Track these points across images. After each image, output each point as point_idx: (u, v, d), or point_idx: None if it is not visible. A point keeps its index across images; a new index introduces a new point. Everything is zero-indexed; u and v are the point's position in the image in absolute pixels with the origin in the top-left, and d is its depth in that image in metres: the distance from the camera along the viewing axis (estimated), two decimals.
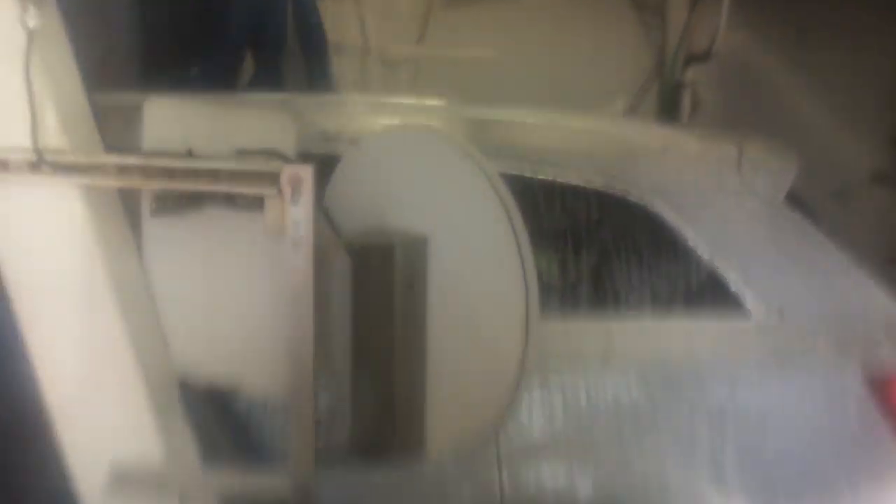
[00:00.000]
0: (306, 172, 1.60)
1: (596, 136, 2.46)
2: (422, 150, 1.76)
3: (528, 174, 2.22)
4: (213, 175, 1.59)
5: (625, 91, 4.83)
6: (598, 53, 5.30)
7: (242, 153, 1.61)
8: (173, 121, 1.66)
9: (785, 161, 2.46)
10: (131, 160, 1.63)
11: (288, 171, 1.59)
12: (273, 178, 1.59)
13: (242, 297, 1.74)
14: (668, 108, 4.66)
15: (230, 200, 1.67)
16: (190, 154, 1.61)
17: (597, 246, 2.23)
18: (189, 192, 1.63)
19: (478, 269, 1.71)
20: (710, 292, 2.22)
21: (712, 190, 2.31)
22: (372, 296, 1.75)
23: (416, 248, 1.76)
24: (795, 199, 2.48)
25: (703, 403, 2.17)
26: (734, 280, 2.20)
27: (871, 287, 2.29)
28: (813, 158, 5.28)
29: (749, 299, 2.19)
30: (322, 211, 1.72)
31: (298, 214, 1.61)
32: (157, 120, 1.68)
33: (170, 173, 1.58)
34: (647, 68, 5.16)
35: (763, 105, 5.28)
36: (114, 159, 1.65)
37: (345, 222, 1.87)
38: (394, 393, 1.76)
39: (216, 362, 1.78)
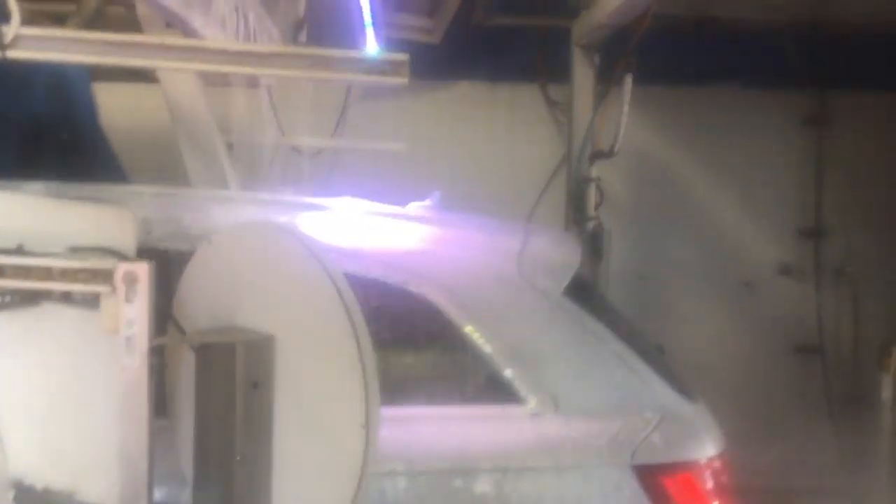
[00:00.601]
0: (142, 270, 1.59)
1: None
2: (269, 246, 1.76)
3: None
4: (46, 272, 1.57)
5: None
6: (512, 146, 5.45)
7: (76, 250, 1.59)
8: (9, 214, 1.63)
9: (568, 254, 2.53)
10: None
11: (123, 269, 1.57)
12: (107, 276, 1.57)
13: (79, 397, 1.69)
14: (576, 201, 4.76)
15: (66, 297, 1.65)
16: (21, 250, 1.59)
17: (374, 335, 2.25)
18: (21, 290, 1.60)
19: (319, 369, 1.69)
20: (485, 381, 2.26)
21: (491, 282, 2.37)
22: (215, 395, 1.72)
23: (262, 347, 1.74)
24: (588, 288, 2.56)
25: (474, 493, 2.17)
26: (509, 369, 2.23)
27: (648, 377, 2.35)
28: (722, 250, 5.49)
29: (523, 388, 2.23)
30: (165, 309, 1.70)
31: (133, 312, 1.59)
32: None
33: None
34: (558, 162, 5.30)
35: (670, 199, 5.45)
36: None
37: (196, 319, 1.85)
38: (235, 494, 1.71)
39: (51, 466, 1.72)
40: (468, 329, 2.26)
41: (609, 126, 4.57)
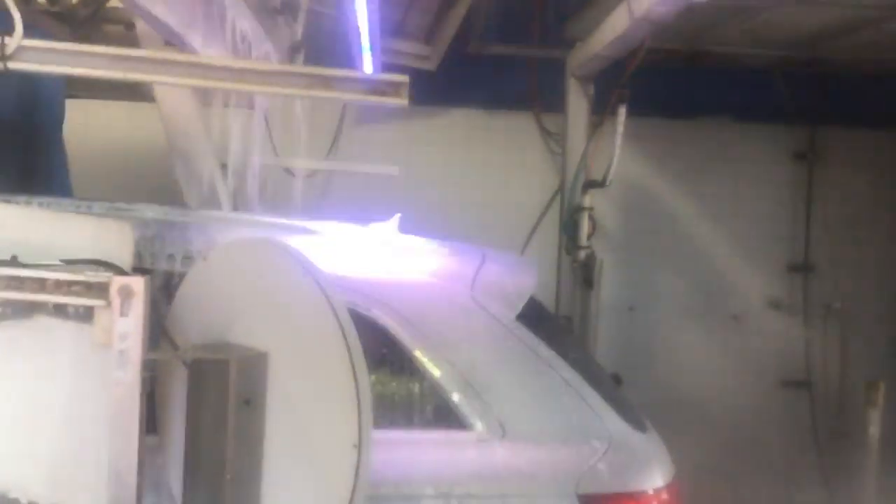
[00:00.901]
0: (138, 284, 1.58)
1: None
2: (264, 264, 1.75)
3: None
4: (39, 284, 1.56)
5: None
6: (506, 174, 5.47)
7: (72, 262, 1.58)
8: (6, 226, 1.62)
9: (523, 279, 2.52)
10: None
11: (118, 283, 1.57)
12: (102, 289, 1.57)
13: (69, 411, 1.68)
14: (569, 230, 4.78)
15: (60, 310, 1.64)
16: (15, 261, 1.58)
17: None
18: (14, 301, 1.59)
19: (312, 388, 1.68)
20: (433, 406, 2.25)
21: (443, 306, 2.36)
22: (207, 411, 1.70)
23: (255, 364, 1.73)
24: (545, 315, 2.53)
25: None
26: (457, 394, 2.23)
27: (598, 406, 2.34)
28: (711, 283, 5.51)
29: (470, 414, 2.22)
30: (158, 324, 1.69)
31: (127, 326, 1.58)
32: None
33: None
34: (551, 190, 5.33)
35: (661, 231, 5.48)
36: None
37: (191, 335, 1.84)
38: None
39: (38, 479, 1.70)
40: (417, 353, 2.25)
41: (602, 156, 4.60)
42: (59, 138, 3.74)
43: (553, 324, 2.77)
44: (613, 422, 2.33)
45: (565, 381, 2.32)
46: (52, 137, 3.67)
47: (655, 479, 2.32)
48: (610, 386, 2.71)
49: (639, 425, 2.45)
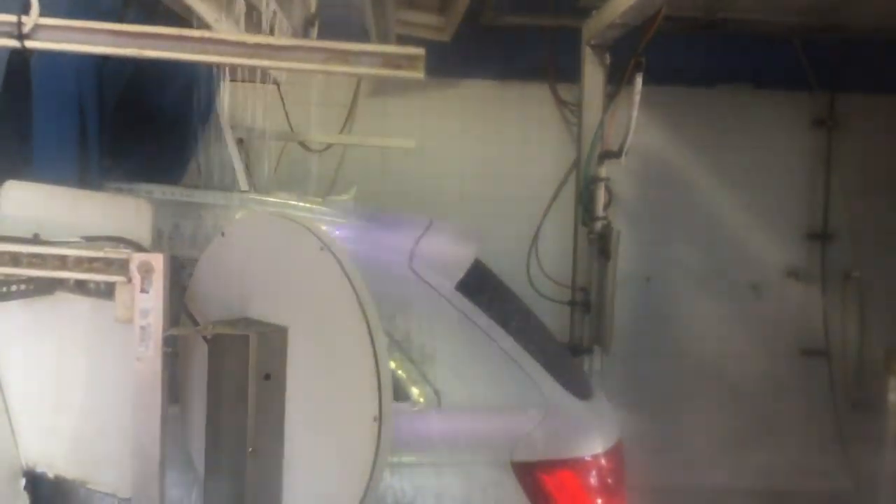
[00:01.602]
0: (158, 261, 1.59)
1: None
2: (283, 239, 1.76)
3: None
4: (61, 261, 1.57)
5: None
6: (523, 144, 5.45)
7: (93, 239, 1.60)
8: (28, 204, 1.64)
9: (463, 249, 2.53)
10: None
11: (138, 259, 1.58)
12: (123, 266, 1.58)
13: (92, 386, 1.70)
14: (586, 201, 4.76)
15: (81, 286, 1.65)
16: (37, 238, 1.59)
17: None
18: (37, 278, 1.61)
19: (332, 361, 1.70)
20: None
21: (381, 277, 2.30)
22: (227, 385, 1.72)
23: (274, 339, 1.74)
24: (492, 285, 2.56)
25: None
26: (393, 364, 2.23)
27: (537, 375, 2.34)
28: (729, 252, 5.48)
29: (406, 384, 2.24)
30: (179, 299, 1.70)
31: (148, 302, 1.59)
32: (12, 203, 1.67)
33: (14, 259, 1.56)
34: (569, 161, 5.30)
35: (678, 201, 5.45)
36: None
37: (210, 310, 1.85)
38: (246, 486, 1.72)
39: (63, 454, 1.73)
40: None
41: (619, 126, 4.56)
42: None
43: (499, 293, 2.77)
44: (552, 390, 2.34)
45: (503, 350, 2.33)
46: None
47: (594, 445, 2.34)
48: (556, 354, 2.71)
49: (582, 393, 2.47)
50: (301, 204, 2.48)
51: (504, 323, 2.42)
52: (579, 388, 2.48)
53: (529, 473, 2.23)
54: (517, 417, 2.28)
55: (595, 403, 2.51)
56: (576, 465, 2.30)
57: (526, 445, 2.24)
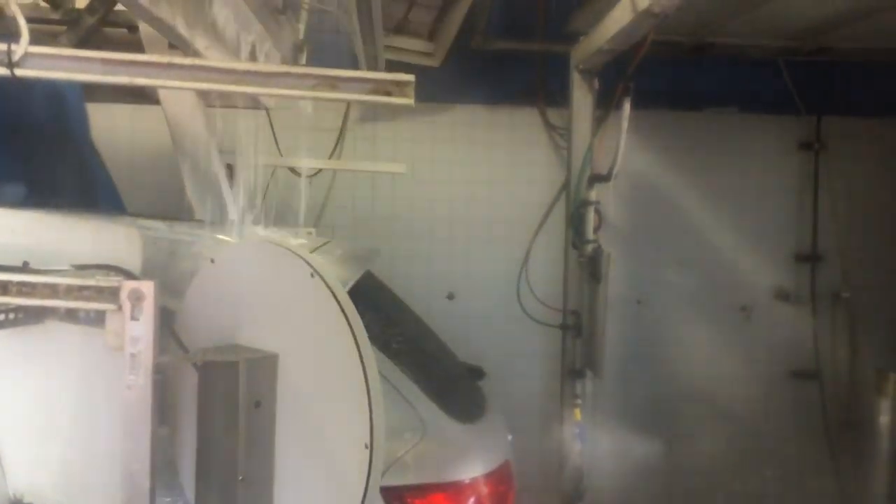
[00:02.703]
0: (148, 288, 1.58)
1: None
2: (273, 266, 1.76)
3: None
4: (51, 289, 1.57)
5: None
6: (513, 168, 5.47)
7: (82, 267, 1.59)
8: (13, 231, 1.63)
9: (349, 267, 2.51)
10: None
11: (129, 287, 1.57)
12: (113, 294, 1.57)
13: (81, 415, 1.69)
14: (576, 224, 4.78)
15: (71, 314, 1.64)
16: (26, 266, 1.59)
17: None
18: (26, 307, 1.60)
19: (322, 388, 1.69)
20: None
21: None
22: (218, 413, 1.71)
23: (265, 366, 1.73)
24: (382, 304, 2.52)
25: None
26: None
27: (415, 399, 2.34)
28: (719, 275, 5.50)
29: None
30: (168, 327, 1.69)
31: (139, 330, 1.58)
32: (1, 230, 1.66)
33: (4, 287, 1.55)
34: (558, 184, 5.33)
35: (668, 223, 5.47)
36: None
37: (199, 338, 1.84)
38: None
39: (52, 484, 1.71)
40: None
41: (608, 150, 4.59)
42: (91, 143, 3.71)
43: (386, 312, 2.76)
44: (430, 413, 2.34)
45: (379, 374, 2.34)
46: (84, 142, 3.64)
47: (472, 468, 2.32)
48: (445, 376, 2.68)
49: (465, 416, 2.46)
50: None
51: (384, 346, 2.40)
52: (464, 411, 2.46)
53: (399, 498, 2.21)
54: (388, 442, 2.27)
55: (482, 425, 2.48)
56: (450, 489, 2.28)
57: (397, 469, 2.23)
